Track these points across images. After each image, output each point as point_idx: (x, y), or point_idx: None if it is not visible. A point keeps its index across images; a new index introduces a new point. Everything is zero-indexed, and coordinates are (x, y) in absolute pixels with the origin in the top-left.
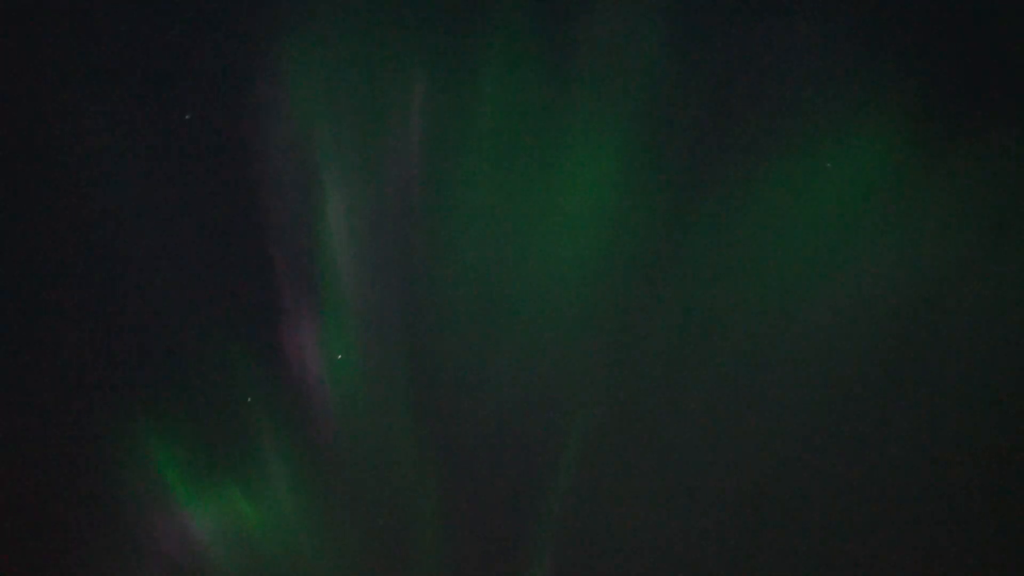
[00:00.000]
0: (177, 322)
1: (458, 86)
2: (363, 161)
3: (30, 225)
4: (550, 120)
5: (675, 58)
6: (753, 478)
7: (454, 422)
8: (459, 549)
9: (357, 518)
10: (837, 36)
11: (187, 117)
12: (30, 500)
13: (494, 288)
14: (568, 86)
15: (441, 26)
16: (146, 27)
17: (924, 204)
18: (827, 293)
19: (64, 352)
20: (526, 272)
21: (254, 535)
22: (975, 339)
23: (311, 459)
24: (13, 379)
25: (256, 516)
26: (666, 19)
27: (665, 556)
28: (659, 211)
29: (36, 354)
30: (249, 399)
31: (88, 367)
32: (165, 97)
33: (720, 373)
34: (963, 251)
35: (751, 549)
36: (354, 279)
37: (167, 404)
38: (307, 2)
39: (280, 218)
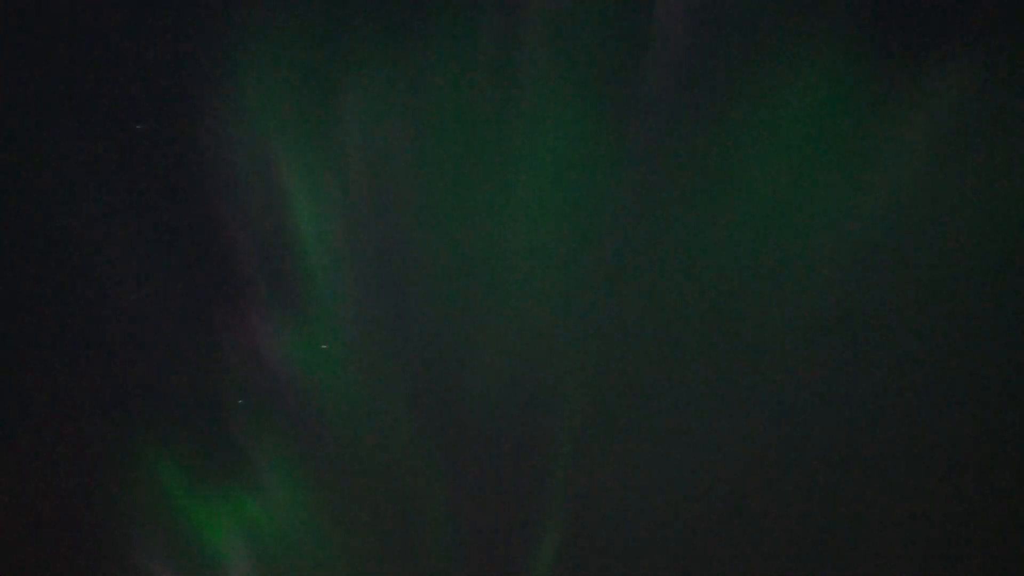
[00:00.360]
0: (156, 336)
1: (413, 72)
2: (324, 155)
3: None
4: (508, 100)
5: (627, 14)
6: (750, 440)
7: (446, 402)
8: (463, 529)
9: (360, 505)
10: None
11: (139, 127)
12: (38, 531)
13: (474, 268)
14: (520, 63)
15: (390, 18)
16: (103, 33)
17: (885, 124)
18: (809, 227)
19: (50, 380)
20: (505, 251)
21: (262, 535)
22: (945, 257)
23: (308, 451)
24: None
25: (262, 514)
26: None
27: (662, 528)
28: (628, 172)
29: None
30: (240, 401)
31: (76, 393)
32: (119, 102)
33: (705, 323)
34: (928, 167)
35: (745, 522)
36: (330, 269)
37: (162, 420)
38: (257, 6)
39: (247, 217)
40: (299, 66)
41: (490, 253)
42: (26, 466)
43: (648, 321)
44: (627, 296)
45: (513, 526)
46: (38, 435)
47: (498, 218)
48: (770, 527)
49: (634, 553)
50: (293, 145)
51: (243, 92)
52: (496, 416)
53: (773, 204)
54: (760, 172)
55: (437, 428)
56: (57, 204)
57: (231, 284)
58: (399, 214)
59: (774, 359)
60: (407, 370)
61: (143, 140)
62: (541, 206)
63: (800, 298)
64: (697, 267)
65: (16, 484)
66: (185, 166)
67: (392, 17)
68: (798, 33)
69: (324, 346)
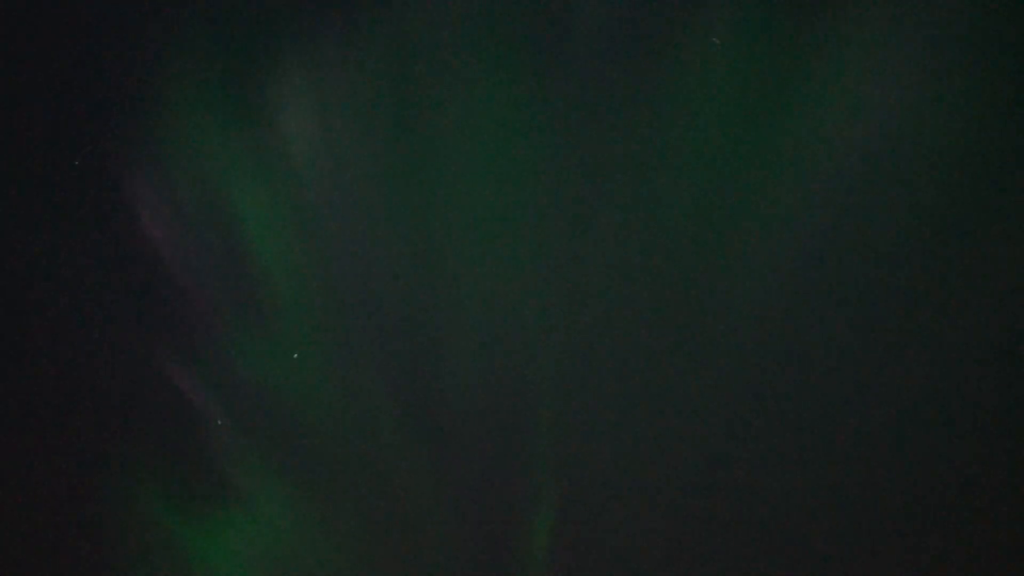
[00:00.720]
0: (122, 370)
1: (349, 67)
2: (268, 160)
3: None
4: (450, 88)
5: None
6: (726, 414)
7: (426, 395)
8: (458, 521)
9: (351, 507)
10: None
11: (76, 162)
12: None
13: (436, 256)
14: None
15: (318, 15)
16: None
17: (809, 56)
18: (754, 174)
19: (22, 422)
20: (464, 238)
21: (259, 551)
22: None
23: (293, 461)
24: None
25: (256, 530)
26: None
27: (653, 499)
28: (565, 147)
29: None
30: (220, 422)
31: (51, 434)
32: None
33: (673, 297)
34: (859, 97)
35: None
36: (289, 277)
37: (142, 453)
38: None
39: (196, 237)
40: (228, 70)
41: (451, 241)
42: (12, 512)
43: (617, 298)
44: (595, 275)
45: (506, 511)
46: (20, 481)
47: (455, 207)
48: (763, 500)
49: (628, 526)
50: (233, 155)
51: (174, 110)
52: (479, 405)
53: (720, 163)
54: (700, 97)
55: (420, 422)
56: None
57: (191, 307)
58: (353, 212)
59: (742, 331)
60: (382, 368)
61: (80, 172)
62: (500, 190)
63: (758, 265)
64: (657, 235)
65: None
66: (126, 196)
67: (320, 14)
68: None
69: (295, 355)
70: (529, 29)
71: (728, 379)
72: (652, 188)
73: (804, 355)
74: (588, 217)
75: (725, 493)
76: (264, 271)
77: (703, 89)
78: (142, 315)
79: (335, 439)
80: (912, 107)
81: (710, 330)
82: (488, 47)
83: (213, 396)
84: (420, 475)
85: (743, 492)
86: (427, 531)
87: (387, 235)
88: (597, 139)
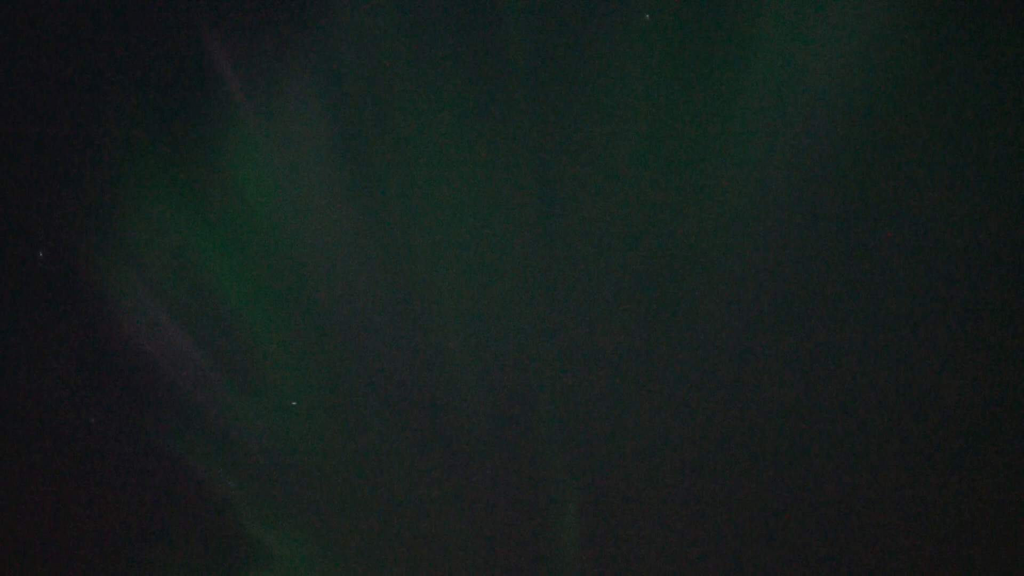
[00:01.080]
0: (125, 452)
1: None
2: (223, 205)
3: None
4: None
5: None
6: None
7: (433, 418)
8: (484, 538)
9: (379, 544)
10: None
11: (40, 254)
12: None
13: (416, 287)
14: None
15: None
16: None
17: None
18: (708, 148)
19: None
20: (433, 248)
21: None
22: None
23: (315, 511)
24: None
25: None
26: None
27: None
28: (515, 141)
29: None
30: (232, 484)
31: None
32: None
33: (661, 279)
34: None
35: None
36: (270, 324)
37: (167, 534)
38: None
39: (172, 307)
40: (183, 134)
41: (429, 261)
42: None
43: (599, 285)
44: (577, 266)
45: (531, 524)
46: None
47: (429, 227)
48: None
49: (652, 518)
50: (195, 212)
51: (133, 183)
52: (489, 420)
53: (671, 139)
54: (635, 75)
55: (429, 444)
56: None
57: (180, 379)
58: (325, 248)
59: (726, 309)
60: (383, 398)
61: (46, 262)
62: (469, 201)
63: (731, 243)
64: (626, 216)
65: None
66: (95, 280)
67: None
68: None
69: (293, 403)
70: (460, 28)
71: (724, 360)
72: (610, 169)
73: (794, 337)
74: (556, 207)
75: (742, 479)
76: (248, 327)
77: (643, 67)
78: (133, 398)
79: (348, 477)
80: (858, 67)
81: (695, 311)
82: (424, 57)
83: (221, 461)
84: (439, 498)
85: (761, 481)
86: (454, 554)
87: (364, 265)
88: (545, 130)
